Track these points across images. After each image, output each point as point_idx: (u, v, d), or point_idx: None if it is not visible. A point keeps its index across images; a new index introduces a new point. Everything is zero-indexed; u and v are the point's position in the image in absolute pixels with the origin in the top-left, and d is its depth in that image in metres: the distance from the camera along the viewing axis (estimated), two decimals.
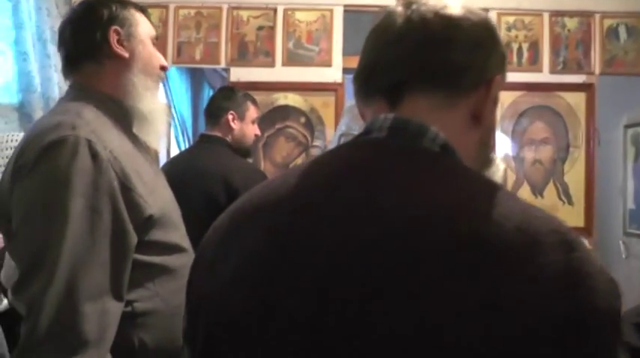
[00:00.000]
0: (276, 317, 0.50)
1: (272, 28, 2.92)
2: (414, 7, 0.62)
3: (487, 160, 0.67)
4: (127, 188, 1.01)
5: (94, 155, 0.98)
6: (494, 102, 0.63)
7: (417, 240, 0.47)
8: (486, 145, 0.65)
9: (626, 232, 3.43)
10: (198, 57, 2.93)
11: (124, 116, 1.15)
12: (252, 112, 2.13)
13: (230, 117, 2.07)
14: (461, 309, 0.44)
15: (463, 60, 0.60)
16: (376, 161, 0.56)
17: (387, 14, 0.64)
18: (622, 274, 3.23)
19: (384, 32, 0.63)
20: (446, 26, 0.61)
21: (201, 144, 2.12)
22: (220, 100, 2.14)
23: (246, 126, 2.11)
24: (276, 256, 0.52)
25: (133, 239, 1.02)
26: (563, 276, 0.45)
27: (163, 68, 1.22)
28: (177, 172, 1.82)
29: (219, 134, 2.08)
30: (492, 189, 0.52)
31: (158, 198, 1.10)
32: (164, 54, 2.55)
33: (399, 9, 0.63)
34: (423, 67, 0.60)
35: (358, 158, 0.57)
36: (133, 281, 1.03)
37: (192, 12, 2.93)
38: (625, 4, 2.91)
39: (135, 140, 1.15)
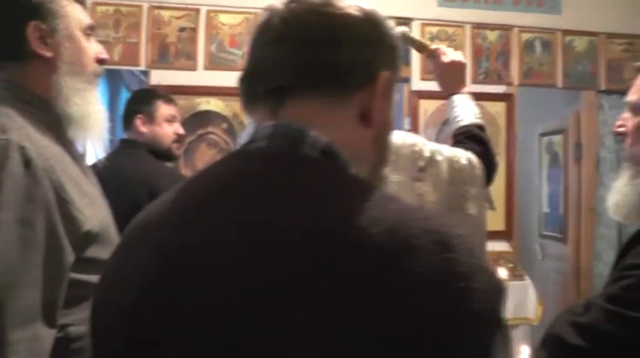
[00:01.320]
0: (161, 340, 0.49)
1: (194, 30, 2.80)
2: (292, 5, 0.59)
3: (383, 158, 0.66)
4: (63, 200, 0.91)
5: (28, 162, 0.87)
6: (386, 98, 0.61)
7: (283, 255, 0.47)
8: (381, 143, 0.63)
9: (541, 234, 3.63)
10: (116, 58, 2.75)
11: (57, 120, 1.02)
12: (163, 111, 2.01)
13: (138, 121, 1.97)
14: (333, 320, 0.43)
15: (345, 59, 0.57)
16: (253, 172, 0.54)
17: (269, 12, 0.61)
18: (538, 274, 3.41)
19: (263, 33, 0.60)
20: (325, 25, 0.58)
21: (122, 149, 2.00)
22: (130, 104, 2.05)
23: (158, 128, 1.99)
24: (159, 274, 0.51)
25: (70, 256, 0.92)
26: (434, 279, 0.44)
27: (101, 61, 1.08)
28: (99, 180, 1.70)
29: (135, 138, 1.97)
30: (368, 193, 0.51)
31: (97, 210, 1.00)
32: None
33: (279, 7, 0.60)
34: (303, 70, 0.57)
35: (237, 169, 0.56)
36: (67, 303, 0.93)
37: (111, 9, 2.75)
38: (540, 20, 3.08)
39: (70, 147, 1.04)
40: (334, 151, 0.55)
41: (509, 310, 2.69)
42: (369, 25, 0.60)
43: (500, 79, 3.02)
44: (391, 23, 0.63)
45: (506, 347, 0.47)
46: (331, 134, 0.56)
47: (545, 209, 3.58)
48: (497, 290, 0.47)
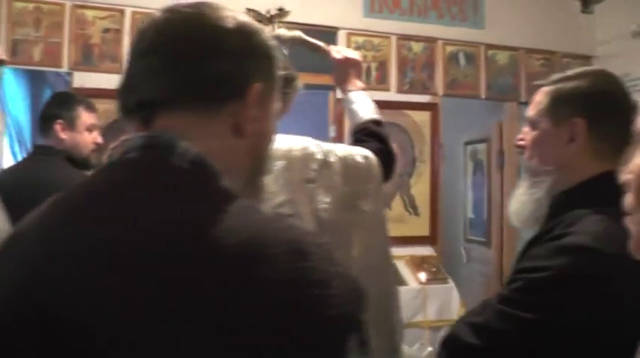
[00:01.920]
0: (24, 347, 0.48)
1: (119, 31, 2.74)
2: (167, 15, 0.60)
3: (260, 169, 0.67)
4: None
5: None
6: (263, 109, 0.62)
7: (140, 264, 0.47)
8: (257, 154, 0.64)
9: (466, 238, 3.77)
10: (37, 58, 2.65)
11: None
12: (85, 119, 1.96)
13: (58, 126, 1.90)
14: (188, 332, 0.43)
15: (215, 71, 0.58)
16: (123, 183, 0.55)
17: (147, 22, 0.61)
18: (464, 277, 3.54)
19: (138, 43, 0.61)
20: (197, 38, 0.59)
21: (36, 156, 1.94)
22: (49, 107, 1.96)
23: (79, 136, 1.94)
24: (23, 286, 0.51)
25: None
26: (287, 287, 0.46)
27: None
28: (10, 187, 1.64)
29: (52, 144, 1.89)
30: (230, 204, 0.52)
31: None
32: None
33: (156, 16, 0.61)
34: (173, 83, 0.58)
35: (109, 181, 0.56)
36: None
37: (31, 6, 2.64)
38: (464, 34, 3.21)
39: None
40: (204, 162, 0.56)
41: (433, 312, 2.78)
42: (242, 36, 0.61)
43: (425, 89, 3.13)
44: (266, 34, 0.64)
45: (366, 348, 0.48)
46: (203, 145, 0.56)
47: (470, 214, 3.72)
48: (355, 295, 0.48)
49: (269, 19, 2.71)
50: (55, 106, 1.95)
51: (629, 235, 0.68)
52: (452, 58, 3.20)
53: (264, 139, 0.65)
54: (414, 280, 2.72)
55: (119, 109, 0.62)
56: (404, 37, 3.09)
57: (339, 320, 0.46)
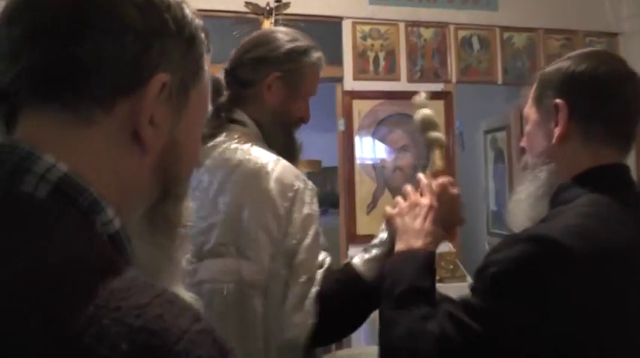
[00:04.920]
0: None
1: None
2: None
3: (170, 193, 0.50)
4: None
5: None
6: (176, 111, 0.47)
7: None
8: (169, 174, 0.49)
9: (490, 232, 3.60)
10: None
11: None
12: None
13: None
14: None
15: (94, 54, 0.42)
16: None
17: None
18: None
19: (5, 7, 0.45)
20: (78, 3, 0.43)
21: None
22: None
23: None
24: None
25: None
26: None
27: None
28: None
29: None
30: (78, 281, 0.37)
31: None
32: None
33: None
34: (35, 69, 0.42)
35: None
36: None
37: None
38: (477, 17, 3.05)
39: None
40: (75, 188, 0.41)
41: None
42: (148, 8, 0.45)
43: (437, 77, 2.99)
44: (189, 10, 0.49)
45: None
46: (82, 159, 0.42)
47: (493, 207, 3.56)
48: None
49: (269, 12, 2.62)
50: None
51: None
52: (465, 43, 3.05)
53: (176, 153, 0.49)
54: None
55: None
56: (412, 24, 2.96)
57: None
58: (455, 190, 1.03)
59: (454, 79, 3.03)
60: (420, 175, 1.04)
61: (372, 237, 1.06)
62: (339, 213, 2.98)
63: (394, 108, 2.89)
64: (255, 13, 2.61)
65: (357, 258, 1.01)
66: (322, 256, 1.01)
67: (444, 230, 1.01)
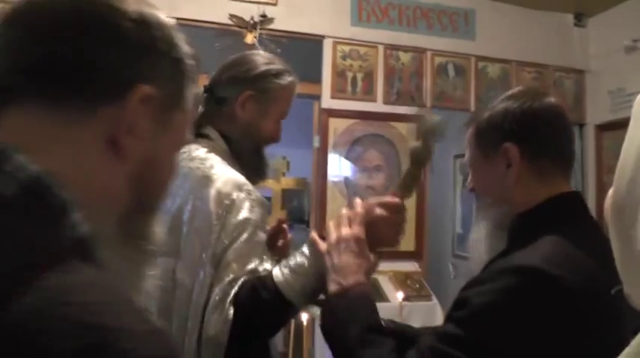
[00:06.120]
0: None
1: None
2: None
3: (144, 204, 0.52)
4: None
5: None
6: (159, 125, 0.49)
7: None
8: (145, 186, 0.50)
9: (454, 254, 3.68)
10: None
11: None
12: None
13: None
14: None
15: (81, 55, 0.45)
16: None
17: None
18: (451, 293, 3.45)
19: (8, 10, 0.48)
20: (75, 10, 0.46)
21: None
22: None
23: None
24: None
25: None
26: None
27: None
28: None
29: None
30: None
31: None
32: None
33: None
34: (29, 65, 0.45)
35: None
36: None
37: None
38: (454, 45, 3.14)
39: None
40: (45, 187, 0.41)
41: None
42: (140, 24, 0.48)
43: (412, 101, 3.06)
44: (177, 32, 0.51)
45: None
46: (54, 159, 0.43)
47: (459, 230, 3.65)
48: None
49: (252, 26, 2.65)
50: None
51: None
52: (441, 69, 3.13)
53: (156, 168, 0.51)
54: (396, 297, 2.63)
55: None
56: (392, 47, 3.03)
57: None
58: (385, 212, 1.01)
59: (429, 104, 3.10)
60: (357, 200, 1.04)
61: None
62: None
63: (369, 129, 2.95)
64: (239, 27, 2.63)
65: (277, 269, 1.03)
66: (255, 264, 1.03)
67: (377, 252, 1.00)
